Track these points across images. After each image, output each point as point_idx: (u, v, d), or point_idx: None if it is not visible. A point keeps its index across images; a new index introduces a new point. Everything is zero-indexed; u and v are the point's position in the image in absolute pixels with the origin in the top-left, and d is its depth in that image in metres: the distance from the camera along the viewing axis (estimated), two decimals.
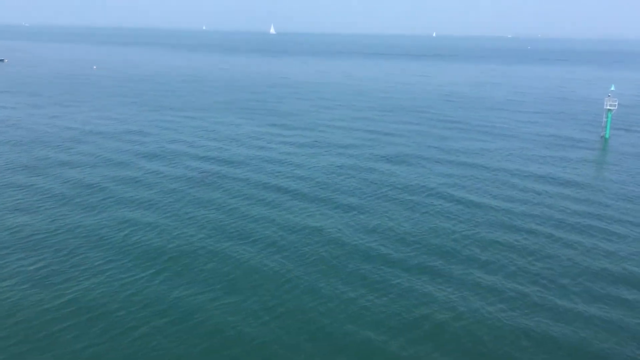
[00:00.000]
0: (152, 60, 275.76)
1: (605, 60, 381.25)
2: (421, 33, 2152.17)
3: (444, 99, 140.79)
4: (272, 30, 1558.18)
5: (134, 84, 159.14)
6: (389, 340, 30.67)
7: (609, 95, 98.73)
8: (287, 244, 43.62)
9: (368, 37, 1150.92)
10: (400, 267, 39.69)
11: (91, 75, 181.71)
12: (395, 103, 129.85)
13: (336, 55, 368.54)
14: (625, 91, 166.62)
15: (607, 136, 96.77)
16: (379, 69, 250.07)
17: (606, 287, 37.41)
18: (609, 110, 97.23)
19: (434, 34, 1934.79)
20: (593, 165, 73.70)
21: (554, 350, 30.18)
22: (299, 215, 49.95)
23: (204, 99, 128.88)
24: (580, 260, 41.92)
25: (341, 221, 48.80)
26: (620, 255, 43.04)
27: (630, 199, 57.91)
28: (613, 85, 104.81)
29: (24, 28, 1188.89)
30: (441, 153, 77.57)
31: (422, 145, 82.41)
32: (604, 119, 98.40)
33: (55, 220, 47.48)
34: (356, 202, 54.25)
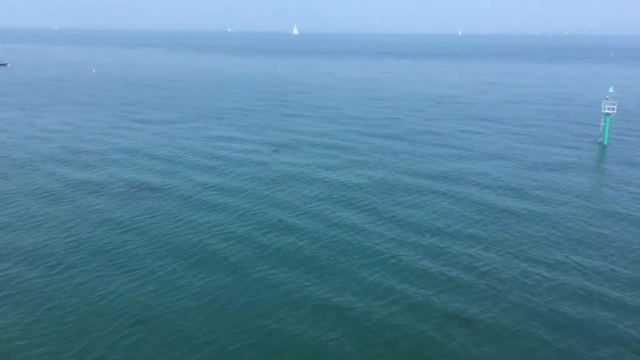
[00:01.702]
0: (154, 62, 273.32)
1: (627, 57, 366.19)
2: (447, 32, 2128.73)
3: (435, 101, 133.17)
4: (295, 31, 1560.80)
5: (121, 87, 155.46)
6: None
7: (607, 98, 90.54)
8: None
9: (390, 37, 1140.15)
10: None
11: (71, 80, 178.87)
12: (373, 101, 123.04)
13: (345, 55, 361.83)
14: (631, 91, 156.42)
15: (605, 142, 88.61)
16: (378, 68, 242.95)
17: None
18: (607, 114, 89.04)
19: (460, 33, 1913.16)
20: (585, 177, 66.16)
21: None
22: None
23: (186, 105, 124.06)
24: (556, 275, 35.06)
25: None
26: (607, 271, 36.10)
27: (622, 216, 50.45)
28: (612, 87, 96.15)
29: (52, 31, 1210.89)
30: (419, 162, 70.76)
31: (414, 142, 75.74)
32: (602, 124, 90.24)
33: None
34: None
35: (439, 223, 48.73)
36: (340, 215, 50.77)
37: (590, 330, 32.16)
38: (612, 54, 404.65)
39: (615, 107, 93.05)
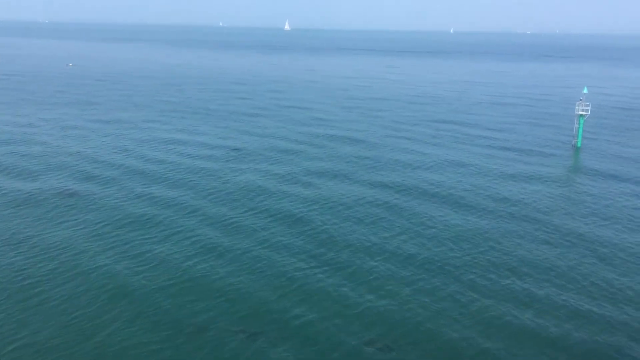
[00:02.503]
0: (136, 57, 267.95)
1: (613, 56, 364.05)
2: (440, 29, 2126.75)
3: (409, 100, 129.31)
4: (287, 27, 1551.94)
5: (89, 82, 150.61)
6: None
7: (580, 99, 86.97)
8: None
9: (382, 34, 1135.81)
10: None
11: (42, 76, 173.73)
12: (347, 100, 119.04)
13: (331, 52, 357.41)
14: (619, 91, 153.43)
15: (579, 144, 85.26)
16: (365, 65, 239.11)
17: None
18: (581, 115, 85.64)
19: (452, 30, 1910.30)
20: (556, 182, 62.61)
21: None
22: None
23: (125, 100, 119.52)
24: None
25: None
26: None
27: (589, 229, 46.78)
28: (585, 88, 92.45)
29: (41, 25, 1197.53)
30: (376, 164, 66.81)
31: (384, 148, 71.84)
32: (576, 126, 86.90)
33: None
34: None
35: (375, 238, 44.86)
36: (274, 233, 46.78)
37: None
38: (609, 54, 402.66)
39: (589, 108, 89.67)
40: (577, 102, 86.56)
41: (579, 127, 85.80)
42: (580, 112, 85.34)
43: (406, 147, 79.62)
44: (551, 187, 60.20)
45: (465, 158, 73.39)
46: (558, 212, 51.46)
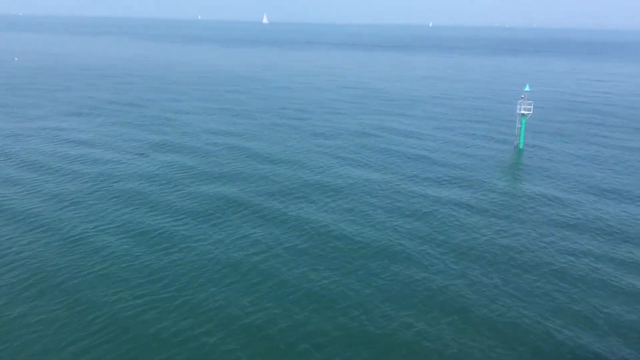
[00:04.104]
0: (95, 51, 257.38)
1: (586, 51, 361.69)
2: (418, 23, 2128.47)
3: (359, 95, 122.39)
4: (265, 20, 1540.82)
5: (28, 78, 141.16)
6: None
7: (522, 97, 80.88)
8: None
9: (358, 27, 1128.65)
10: None
11: None
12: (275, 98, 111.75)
13: (300, 46, 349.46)
14: (586, 87, 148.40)
15: (521, 146, 79.27)
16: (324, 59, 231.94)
17: None
18: (523, 115, 79.60)
19: (431, 24, 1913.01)
20: (492, 188, 56.29)
21: None
22: None
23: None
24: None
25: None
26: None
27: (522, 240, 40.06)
28: (527, 85, 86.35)
29: (15, 17, 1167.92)
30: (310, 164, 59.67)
31: (291, 150, 64.56)
32: (518, 126, 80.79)
33: None
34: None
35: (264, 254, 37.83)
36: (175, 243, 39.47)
37: None
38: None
39: (532, 107, 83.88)
40: (519, 101, 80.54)
41: (521, 127, 79.81)
42: (522, 112, 79.37)
43: (337, 145, 72.68)
44: (484, 195, 53.69)
45: (395, 163, 66.55)
46: (488, 222, 44.93)
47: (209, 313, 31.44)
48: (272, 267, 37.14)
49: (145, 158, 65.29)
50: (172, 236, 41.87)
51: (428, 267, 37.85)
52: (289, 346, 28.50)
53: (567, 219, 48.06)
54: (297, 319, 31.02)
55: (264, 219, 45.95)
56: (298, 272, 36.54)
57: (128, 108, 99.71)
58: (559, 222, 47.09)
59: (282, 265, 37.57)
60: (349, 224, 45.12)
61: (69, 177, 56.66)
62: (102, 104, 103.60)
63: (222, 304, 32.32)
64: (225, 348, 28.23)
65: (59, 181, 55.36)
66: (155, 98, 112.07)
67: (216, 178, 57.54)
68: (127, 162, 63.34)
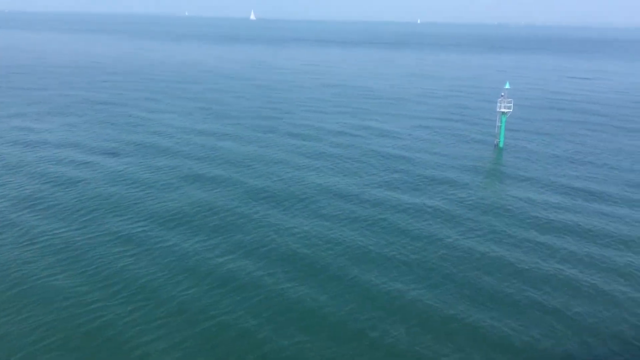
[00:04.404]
0: (62, 48, 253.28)
1: (575, 48, 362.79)
2: (407, 20, 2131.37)
3: (339, 94, 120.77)
4: (253, 17, 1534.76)
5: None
6: None
7: (502, 95, 79.67)
8: None
9: (347, 24, 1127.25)
10: None
11: None
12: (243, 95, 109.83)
13: (286, 43, 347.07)
14: (569, 84, 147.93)
15: (501, 144, 78.11)
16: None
17: None
18: (503, 113, 78.41)
19: (419, 21, 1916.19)
20: (467, 189, 54.94)
21: None
22: None
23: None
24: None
25: None
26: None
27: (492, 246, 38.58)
28: (508, 83, 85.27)
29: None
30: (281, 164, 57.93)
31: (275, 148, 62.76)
32: (498, 124, 79.65)
33: None
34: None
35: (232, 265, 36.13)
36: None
37: None
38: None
39: (512, 105, 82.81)
40: (499, 99, 79.44)
41: (501, 126, 78.69)
42: (503, 110, 78.22)
43: (310, 146, 71.00)
44: (457, 196, 52.30)
45: (370, 164, 64.99)
46: (457, 224, 43.51)
47: (165, 318, 29.90)
48: (232, 272, 35.48)
49: (113, 159, 63.19)
50: (131, 240, 40.03)
51: (390, 271, 36.37)
52: (239, 353, 26.92)
53: (541, 220, 46.83)
54: (247, 326, 29.41)
55: (229, 223, 44.24)
56: (256, 276, 34.93)
57: (102, 107, 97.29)
58: (532, 224, 45.82)
59: (240, 269, 35.95)
60: (316, 228, 43.50)
61: (32, 178, 54.51)
62: (76, 102, 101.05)
63: (179, 309, 30.69)
64: (179, 353, 26.64)
65: (20, 182, 53.22)
66: (133, 96, 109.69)
67: (184, 181, 55.66)
68: (94, 163, 61.22)
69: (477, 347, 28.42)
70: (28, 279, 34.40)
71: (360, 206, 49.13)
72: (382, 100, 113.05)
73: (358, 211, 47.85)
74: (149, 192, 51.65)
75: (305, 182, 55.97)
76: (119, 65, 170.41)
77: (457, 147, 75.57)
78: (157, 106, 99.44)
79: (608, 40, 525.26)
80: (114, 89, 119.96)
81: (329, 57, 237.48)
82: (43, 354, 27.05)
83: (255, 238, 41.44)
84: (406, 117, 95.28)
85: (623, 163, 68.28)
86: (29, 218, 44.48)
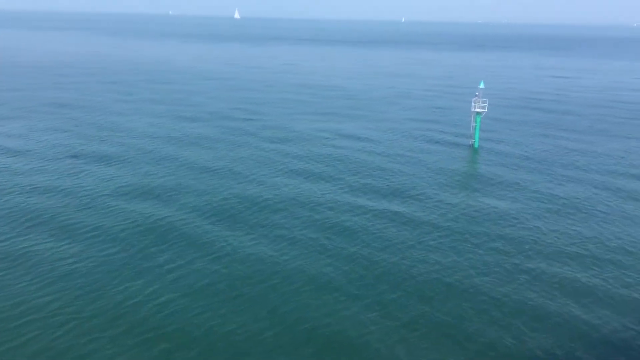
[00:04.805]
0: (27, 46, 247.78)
1: (555, 46, 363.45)
2: (391, 18, 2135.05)
3: (312, 94, 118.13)
4: (237, 15, 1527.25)
5: None
6: None
7: (476, 95, 77.69)
8: None
9: (330, 23, 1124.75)
10: None
11: None
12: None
13: (266, 42, 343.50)
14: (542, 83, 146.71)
15: (476, 145, 76.16)
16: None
17: None
18: (478, 113, 76.47)
19: (403, 20, 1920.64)
20: (438, 195, 52.71)
21: None
22: None
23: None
24: None
25: None
26: None
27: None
28: (482, 82, 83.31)
29: None
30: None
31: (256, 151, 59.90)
32: (472, 124, 77.70)
33: None
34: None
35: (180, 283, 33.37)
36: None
37: None
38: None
39: (487, 104, 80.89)
40: (474, 99, 77.39)
41: (475, 126, 76.70)
42: (477, 110, 76.24)
43: (284, 146, 68.26)
44: (427, 203, 49.93)
45: (338, 169, 62.43)
46: (423, 232, 41.15)
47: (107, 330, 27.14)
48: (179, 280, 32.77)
49: (67, 167, 60.01)
50: (71, 255, 37.15)
51: (346, 286, 33.90)
52: None
53: (509, 226, 44.70)
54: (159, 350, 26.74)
55: (181, 239, 41.50)
56: (194, 304, 32.25)
57: (67, 110, 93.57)
58: (503, 231, 43.69)
59: (179, 292, 33.23)
60: (273, 243, 40.84)
61: None
62: (40, 105, 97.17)
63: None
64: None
65: None
66: (101, 99, 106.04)
67: (140, 192, 52.66)
68: (48, 171, 58.03)
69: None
70: None
71: (322, 214, 46.59)
72: (359, 101, 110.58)
73: (321, 219, 45.31)
74: (90, 202, 48.67)
75: (263, 193, 53.24)
76: (91, 65, 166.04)
77: (431, 149, 73.38)
78: (125, 107, 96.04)
79: (592, 38, 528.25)
80: (84, 90, 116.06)
81: (307, 55, 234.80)
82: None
83: (211, 250, 38.73)
84: (381, 120, 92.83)
85: (594, 165, 66.52)
86: None
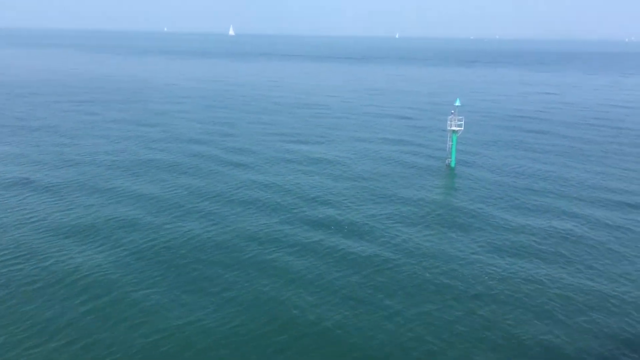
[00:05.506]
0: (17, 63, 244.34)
1: (539, 61, 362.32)
2: (385, 34, 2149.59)
3: (289, 112, 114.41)
4: (232, 32, 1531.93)
5: None
6: None
7: (452, 113, 74.15)
8: None
9: (324, 39, 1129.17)
10: None
11: None
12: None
13: (254, 58, 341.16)
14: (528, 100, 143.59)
15: (452, 164, 72.53)
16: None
17: None
18: (454, 131, 72.88)
19: (397, 36, 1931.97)
20: (417, 212, 49.11)
21: None
22: None
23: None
24: None
25: None
26: None
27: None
28: (458, 100, 79.85)
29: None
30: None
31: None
32: (449, 143, 74.13)
33: None
34: None
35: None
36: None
37: None
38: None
39: (463, 122, 77.13)
40: (449, 117, 73.85)
41: (452, 145, 73.05)
42: (453, 128, 72.65)
43: (250, 173, 64.11)
44: (407, 222, 45.88)
45: (296, 197, 58.29)
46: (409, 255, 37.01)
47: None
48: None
49: (9, 196, 55.79)
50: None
51: (308, 310, 29.72)
52: None
53: (489, 244, 40.92)
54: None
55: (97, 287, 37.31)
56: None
57: (26, 132, 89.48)
58: (477, 249, 39.77)
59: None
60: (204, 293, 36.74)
61: None
62: (5, 120, 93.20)
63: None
64: None
65: None
66: (68, 119, 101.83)
67: (72, 231, 48.53)
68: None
69: None
70: None
71: (262, 255, 42.44)
72: (334, 120, 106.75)
73: (260, 261, 41.14)
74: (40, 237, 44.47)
75: (227, 225, 49.01)
76: (66, 82, 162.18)
77: (408, 168, 69.81)
78: (87, 129, 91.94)
79: (583, 54, 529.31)
80: (48, 109, 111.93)
81: (293, 72, 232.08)
82: None
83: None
84: (354, 138, 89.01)
85: (571, 187, 62.70)
86: None
